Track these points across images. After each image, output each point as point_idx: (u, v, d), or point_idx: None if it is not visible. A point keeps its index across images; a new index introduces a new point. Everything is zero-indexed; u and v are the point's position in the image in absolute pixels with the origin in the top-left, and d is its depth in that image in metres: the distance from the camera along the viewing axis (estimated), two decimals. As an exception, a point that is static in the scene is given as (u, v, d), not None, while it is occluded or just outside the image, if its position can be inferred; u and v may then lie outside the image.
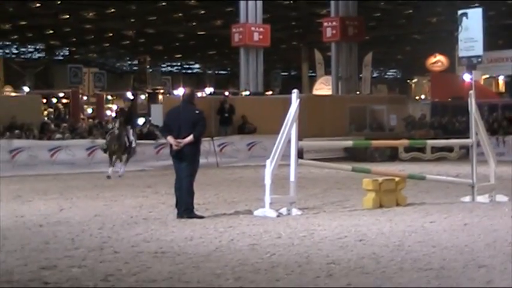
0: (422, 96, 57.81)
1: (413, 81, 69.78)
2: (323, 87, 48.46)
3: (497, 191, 17.28)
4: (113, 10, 52.11)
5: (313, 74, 58.15)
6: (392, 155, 31.33)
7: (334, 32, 40.98)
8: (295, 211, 14.87)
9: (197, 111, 14.68)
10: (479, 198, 16.90)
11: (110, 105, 54.50)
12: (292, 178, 15.17)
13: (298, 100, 15.37)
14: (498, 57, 44.52)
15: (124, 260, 10.26)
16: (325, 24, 41.98)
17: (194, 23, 58.73)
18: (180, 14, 54.22)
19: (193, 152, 14.42)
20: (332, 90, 43.10)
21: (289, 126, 15.20)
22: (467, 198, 17.02)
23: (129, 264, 10.03)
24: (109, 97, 56.40)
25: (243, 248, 11.20)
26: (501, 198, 17.07)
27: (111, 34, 62.00)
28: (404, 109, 37.59)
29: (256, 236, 12.23)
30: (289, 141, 15.24)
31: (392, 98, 42.94)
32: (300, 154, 19.95)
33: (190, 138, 14.27)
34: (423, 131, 33.77)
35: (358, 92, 43.42)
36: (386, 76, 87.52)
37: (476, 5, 42.17)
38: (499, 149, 28.95)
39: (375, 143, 22.35)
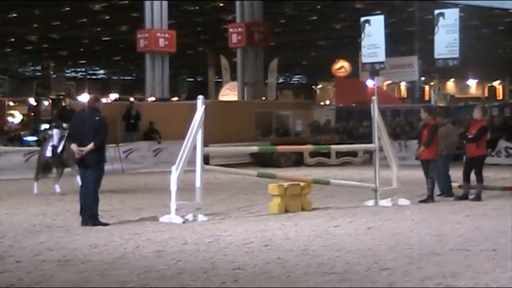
0: (327, 102, 58.51)
1: (319, 86, 70.59)
2: (229, 93, 48.56)
3: (399, 194, 17.64)
4: (15, 14, 51.16)
5: (220, 80, 58.23)
6: (297, 160, 31.59)
7: (239, 37, 41.10)
8: (201, 217, 14.87)
9: (98, 118, 14.52)
10: (382, 202, 17.21)
11: (12, 112, 53.49)
12: (198, 184, 15.18)
13: (204, 106, 15.39)
14: (400, 63, 45.24)
15: (26, 270, 10.09)
16: (231, 30, 42.07)
17: (99, 29, 58.14)
18: (85, 19, 53.57)
19: (97, 159, 14.29)
20: (238, 95, 43.23)
21: (195, 132, 15.20)
22: (370, 202, 17.31)
23: (32, 273, 9.87)
24: (11, 103, 55.35)
25: (148, 254, 11.15)
26: (403, 201, 17.43)
27: (13, 39, 60.87)
28: (310, 114, 37.95)
29: (162, 242, 12.18)
30: (194, 147, 15.24)
31: (298, 104, 43.31)
32: (206, 160, 20.00)
33: (91, 146, 14.14)
34: (328, 136, 34.16)
35: (264, 98, 43.66)
36: (292, 82, 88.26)
37: (379, 12, 42.90)
38: (401, 153, 29.48)
39: (281, 148, 22.54)
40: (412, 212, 15.97)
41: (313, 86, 74.45)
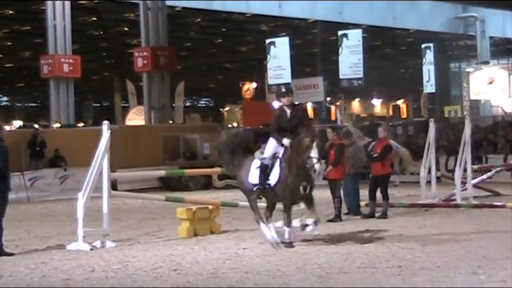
0: (235, 124, 58.70)
1: (226, 109, 70.78)
2: (136, 118, 48.32)
3: (307, 215, 17.70)
4: None
5: (126, 105, 57.91)
6: (206, 183, 31.61)
7: (145, 62, 40.95)
8: (109, 243, 14.71)
9: None
10: (292, 222, 17.25)
11: None
12: (105, 210, 15.02)
13: (110, 131, 15.26)
14: (306, 84, 45.79)
15: None
16: (136, 54, 41.90)
17: (1, 55, 57.23)
18: (-13, 46, 52.75)
19: (-1, 188, 14.00)
20: (145, 120, 43.03)
21: (101, 157, 15.05)
22: (279, 223, 17.34)
23: None
24: None
25: (55, 284, 10.97)
26: (311, 221, 17.51)
27: None
28: (217, 137, 37.88)
29: (69, 270, 12.00)
30: (101, 173, 15.08)
31: (205, 127, 43.31)
32: (114, 185, 19.81)
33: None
34: (236, 158, 34.18)
35: (171, 122, 43.57)
36: (199, 105, 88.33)
37: (283, 34, 43.35)
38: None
39: (188, 171, 22.49)
40: (320, 231, 16.08)
41: (221, 109, 74.63)
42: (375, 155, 18.80)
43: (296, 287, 10.08)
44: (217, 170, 25.50)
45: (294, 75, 41.59)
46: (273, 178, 13.84)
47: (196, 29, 51.62)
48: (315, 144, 13.37)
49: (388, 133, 20.22)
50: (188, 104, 74.38)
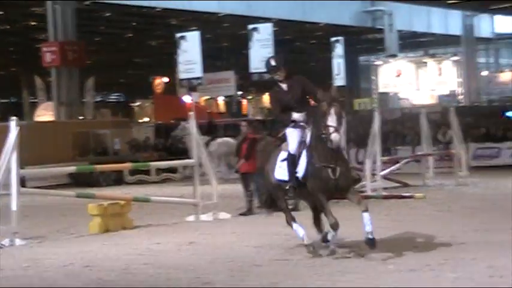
0: (146, 119, 58.37)
1: (137, 104, 70.32)
2: (45, 113, 47.54)
3: (219, 208, 17.79)
4: None
5: (35, 100, 56.98)
6: (117, 179, 31.35)
7: (53, 57, 40.28)
8: (18, 241, 14.47)
9: None
10: (203, 217, 17.32)
11: None
12: (13, 207, 14.76)
13: (18, 128, 15.01)
14: (217, 78, 45.87)
15: None
16: (44, 49, 41.19)
17: None
18: None
19: None
20: (54, 116, 42.39)
21: (9, 154, 14.79)
22: (191, 218, 17.38)
23: None
24: None
25: (-37, 283, 10.74)
26: (223, 215, 17.61)
27: None
28: (128, 132, 37.73)
29: (-23, 270, 11.77)
30: (9, 170, 14.82)
31: (116, 122, 42.95)
32: (23, 182, 19.46)
33: None
34: (147, 153, 34.08)
35: (81, 117, 43.04)
36: (109, 100, 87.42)
37: (194, 28, 43.25)
38: (221, 167, 29.76)
39: (99, 167, 22.28)
40: (233, 225, 16.16)
41: (131, 104, 74.11)
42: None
43: (208, 281, 10.09)
44: (128, 165, 25.48)
45: (205, 69, 41.52)
46: (301, 169, 11.56)
47: (106, 24, 51.08)
48: (333, 110, 11.11)
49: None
50: (98, 99, 73.45)
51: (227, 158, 29.06)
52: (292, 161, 11.63)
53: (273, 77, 12.12)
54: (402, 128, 33.85)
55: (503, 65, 56.92)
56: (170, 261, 11.80)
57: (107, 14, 48.20)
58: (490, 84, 52.33)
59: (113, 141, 34.86)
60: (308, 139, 11.52)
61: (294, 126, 11.79)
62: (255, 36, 40.03)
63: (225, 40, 49.55)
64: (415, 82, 48.86)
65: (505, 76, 51.64)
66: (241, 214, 18.05)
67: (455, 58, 49.96)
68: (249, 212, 18.20)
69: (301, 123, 11.69)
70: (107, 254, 12.75)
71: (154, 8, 44.23)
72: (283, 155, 11.88)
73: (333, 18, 48.27)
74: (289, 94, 11.80)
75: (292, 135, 11.79)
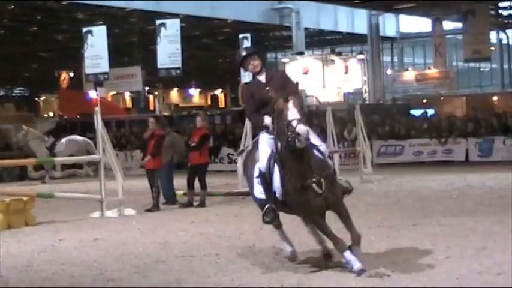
0: (51, 114, 57.50)
1: (42, 98, 69.19)
2: None
3: (125, 205, 17.69)
4: None
5: None
6: (21, 174, 30.82)
7: (-46, 49, 39.42)
8: None
9: None
10: (109, 213, 17.18)
11: None
12: None
13: None
14: (124, 73, 45.41)
15: None
16: None
17: None
18: None
19: None
20: (-45, 110, 41.48)
21: None
22: (96, 214, 17.22)
23: None
24: None
25: None
26: (129, 211, 17.52)
27: None
28: (33, 127, 37.10)
29: None
30: None
31: (20, 117, 42.25)
32: None
33: None
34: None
35: (-17, 111, 42.21)
36: (13, 94, 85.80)
37: (100, 23, 42.77)
38: (127, 163, 29.59)
39: (1, 162, 21.86)
40: (138, 221, 16.08)
41: (36, 98, 72.86)
42: (193, 144, 18.92)
43: (113, 277, 10.01)
44: (32, 160, 25.07)
45: (112, 64, 41.08)
46: (277, 189, 9.52)
47: (9, 17, 50.08)
48: (291, 104, 9.20)
49: (206, 122, 20.40)
50: (2, 93, 72.14)
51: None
52: (264, 179, 9.60)
53: (246, 70, 10.19)
54: (309, 125, 34.12)
55: (407, 64, 57.90)
56: (74, 257, 11.66)
57: (11, 7, 47.29)
58: (394, 83, 53.16)
59: (17, 136, 34.25)
60: (276, 149, 9.52)
61: (268, 132, 9.77)
62: (163, 31, 39.75)
63: (133, 35, 49.09)
64: (321, 80, 49.36)
65: (408, 75, 52.51)
66: (147, 210, 17.98)
67: (361, 56, 50.64)
68: (155, 208, 18.14)
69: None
70: (9, 251, 12.52)
71: (59, 1, 43.61)
72: (257, 169, 9.73)
73: (241, 15, 48.34)
74: (266, 88, 9.67)
75: (263, 146, 9.73)
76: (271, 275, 9.69)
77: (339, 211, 9.45)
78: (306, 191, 9.21)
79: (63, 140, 29.97)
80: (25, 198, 16.35)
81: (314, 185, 9.15)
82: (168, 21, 40.04)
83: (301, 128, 9.02)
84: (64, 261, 11.32)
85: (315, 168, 9.25)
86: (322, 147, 9.71)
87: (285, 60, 51.42)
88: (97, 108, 17.94)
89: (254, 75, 10.02)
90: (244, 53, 10.08)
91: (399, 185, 22.73)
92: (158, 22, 40.20)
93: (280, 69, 9.41)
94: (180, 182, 19.73)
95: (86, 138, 30.02)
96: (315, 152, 9.44)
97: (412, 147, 31.93)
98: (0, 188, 18.40)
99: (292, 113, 9.14)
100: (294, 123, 9.05)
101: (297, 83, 9.64)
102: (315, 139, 9.61)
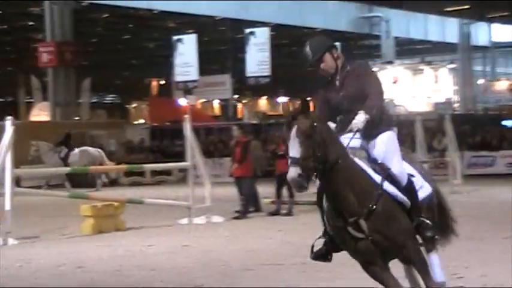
0: (142, 121, 58.31)
1: (132, 106, 70.21)
2: (41, 113, 47.47)
3: (213, 212, 17.79)
4: None
5: (31, 100, 56.90)
6: (112, 180, 31.32)
7: (50, 57, 40.28)
8: (11, 241, 14.46)
9: None
10: (196, 220, 17.32)
11: None
12: (7, 207, 14.75)
13: (13, 127, 15.01)
14: (213, 81, 45.80)
15: None
16: (41, 49, 41.19)
17: None
18: None
19: None
20: (50, 116, 42.36)
21: (4, 153, 14.79)
22: (184, 220, 17.39)
23: None
24: None
25: (-46, 282, 10.73)
26: (217, 218, 17.61)
27: None
28: (124, 134, 37.74)
29: (-30, 269, 11.76)
30: (4, 169, 14.82)
31: (112, 123, 42.96)
32: (18, 182, 19.45)
33: None
34: (142, 155, 34.08)
35: (77, 118, 43.02)
36: (105, 101, 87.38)
37: (191, 31, 43.25)
38: (215, 171, 29.76)
39: (93, 168, 22.28)
40: (226, 228, 16.18)
41: (127, 106, 74.01)
42: (280, 152, 18.94)
43: (201, 284, 10.09)
44: (123, 166, 25.46)
45: (202, 72, 41.51)
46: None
47: (103, 25, 51.06)
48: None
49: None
50: (94, 100, 73.43)
51: None
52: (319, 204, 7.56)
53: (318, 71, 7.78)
54: (398, 135, 33.81)
55: (499, 74, 56.98)
56: (163, 263, 11.79)
57: (105, 16, 48.20)
58: (486, 93, 52.36)
59: (108, 142, 34.85)
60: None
61: None
62: (252, 40, 40.01)
63: (222, 43, 49.51)
64: (411, 89, 48.88)
65: (501, 85, 51.67)
66: (234, 218, 18.06)
67: (452, 66, 50.01)
68: (243, 215, 18.20)
69: None
70: (100, 255, 12.74)
71: (151, 10, 44.25)
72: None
73: (330, 23, 48.29)
74: (340, 92, 7.54)
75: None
76: (360, 285, 9.62)
77: (402, 258, 7.25)
78: (342, 231, 7.11)
79: (77, 150, 30.19)
80: (116, 204, 16.62)
81: (350, 228, 6.95)
82: (257, 30, 40.26)
83: (360, 117, 7.03)
84: (153, 267, 11.46)
85: (352, 202, 6.85)
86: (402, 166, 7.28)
87: (374, 69, 51.03)
88: (186, 116, 18.13)
89: (327, 76, 7.66)
90: (311, 57, 7.66)
91: (490, 196, 22.35)
92: (247, 30, 40.45)
93: (361, 62, 6.92)
94: (267, 190, 19.77)
95: (98, 149, 30.34)
96: (367, 173, 6.98)
97: (504, 159, 31.36)
98: (92, 193, 18.72)
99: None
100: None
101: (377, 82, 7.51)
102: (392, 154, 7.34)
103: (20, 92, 63.71)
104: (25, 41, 52.31)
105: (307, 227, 15.98)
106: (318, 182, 7.11)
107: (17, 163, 15.50)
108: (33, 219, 18.65)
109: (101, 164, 26.58)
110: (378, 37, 51.67)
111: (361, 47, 58.33)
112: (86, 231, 15.77)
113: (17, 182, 18.41)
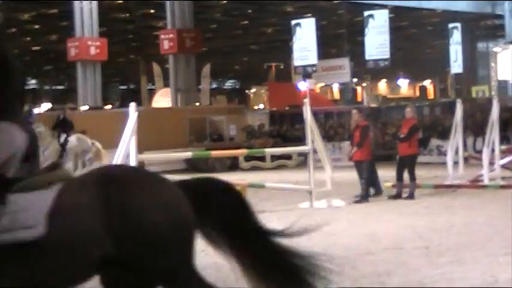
0: (261, 106, 58.70)
1: (252, 91, 70.76)
2: (162, 100, 48.45)
3: (334, 196, 17.76)
4: None
5: (153, 87, 58.07)
6: (232, 165, 31.65)
7: (171, 44, 41.02)
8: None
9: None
10: (317, 204, 17.31)
11: None
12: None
13: (137, 113, 15.32)
14: (332, 65, 45.69)
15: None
16: (162, 36, 41.98)
17: (28, 38, 57.52)
18: (14, 29, 53.00)
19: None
20: (171, 102, 43.15)
21: (128, 139, 15.12)
22: (305, 204, 17.41)
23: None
24: None
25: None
26: (337, 202, 17.56)
27: None
28: (244, 119, 38.06)
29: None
30: (128, 155, 15.15)
31: (231, 109, 43.38)
32: (142, 167, 19.87)
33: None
34: (262, 139, 34.30)
35: (197, 104, 43.65)
36: (225, 87, 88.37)
37: (309, 15, 43.22)
38: (335, 155, 29.73)
39: (215, 153, 22.55)
40: (347, 212, 16.13)
41: (247, 91, 74.63)
42: (402, 136, 18.78)
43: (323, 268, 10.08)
44: (244, 151, 25.70)
45: (320, 56, 41.46)
46: None
47: (221, 11, 51.58)
48: None
49: (415, 114, 20.20)
50: (214, 86, 74.40)
51: (83, 156, 27.26)
52: None
53: None
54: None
55: None
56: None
57: (223, 2, 48.68)
58: None
59: (228, 128, 35.22)
60: None
61: None
62: (371, 23, 39.72)
63: (340, 27, 49.30)
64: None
65: None
66: (355, 202, 17.99)
67: None
68: (363, 199, 18.12)
69: None
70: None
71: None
72: None
73: (450, 4, 47.42)
74: None
75: None
76: (484, 270, 9.47)
77: None
78: None
79: (73, 136, 29.62)
80: (237, 188, 16.76)
81: None
82: (376, 12, 39.94)
83: None
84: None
85: None
86: None
87: (496, 49, 49.93)
88: (306, 100, 18.13)
89: None
90: None
91: None
92: (366, 13, 40.17)
93: None
94: (388, 174, 19.62)
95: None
96: None
97: None
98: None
99: None
100: None
101: None
102: None
103: (142, 79, 65.13)
104: (146, 29, 53.40)
105: (429, 211, 15.83)
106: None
107: (139, 149, 15.78)
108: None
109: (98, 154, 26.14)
110: (500, 17, 50.45)
111: (482, 28, 57.10)
112: (208, 215, 15.96)
113: (141, 167, 18.82)
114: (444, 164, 22.03)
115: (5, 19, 48.71)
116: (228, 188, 5.46)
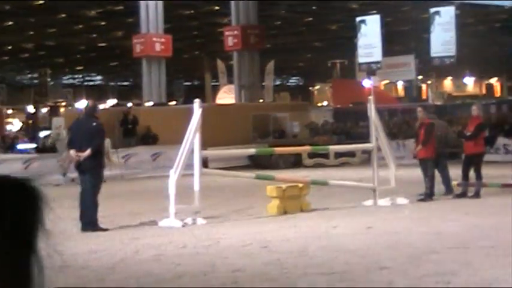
0: (325, 103, 58.51)
1: (316, 88, 70.60)
2: (226, 96, 48.55)
3: (397, 193, 17.64)
4: (11, 23, 51.24)
5: (217, 83, 58.27)
6: (296, 162, 31.58)
7: (235, 40, 41.15)
8: (200, 220, 14.88)
9: (94, 124, 14.61)
10: (381, 202, 17.22)
11: (10, 120, 53.59)
12: (196, 187, 15.19)
13: (201, 109, 15.41)
14: (397, 62, 45.36)
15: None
16: (227, 33, 42.14)
17: (94, 35, 58.20)
18: (80, 26, 53.68)
19: (94, 165, 14.32)
20: (235, 98, 43.27)
21: (192, 135, 15.22)
22: (369, 202, 17.32)
23: (32, 280, 9.87)
24: (9, 111, 55.45)
25: (148, 259, 11.16)
26: (401, 200, 17.44)
27: (10, 47, 60.93)
28: (307, 116, 37.99)
29: (162, 246, 12.20)
30: (192, 151, 15.26)
31: (295, 105, 43.38)
32: (205, 163, 20.00)
33: (88, 151, 14.19)
34: (326, 137, 34.18)
35: (261, 100, 43.68)
36: (288, 83, 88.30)
37: (374, 12, 42.96)
38: (399, 152, 29.47)
39: (278, 150, 22.55)
40: (411, 210, 16.00)
41: (310, 88, 74.48)
42: (468, 134, 18.55)
43: (386, 266, 10.04)
44: (307, 148, 25.63)
45: (385, 53, 41.18)
46: None
47: (285, 8, 51.52)
48: None
49: (481, 112, 19.93)
50: (278, 82, 74.39)
51: None
52: None
53: None
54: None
55: None
56: (347, 245, 11.81)
57: (288, -1, 48.64)
58: None
59: (291, 125, 35.19)
60: None
61: None
62: (437, 19, 39.29)
63: (406, 24, 48.89)
64: None
65: None
66: (420, 200, 17.83)
67: None
68: (428, 197, 17.95)
69: None
70: (285, 236, 12.90)
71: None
72: None
73: (518, 0, 46.70)
74: None
75: None
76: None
77: None
78: None
79: None
80: (300, 185, 16.78)
81: None
82: (442, 9, 39.51)
83: None
84: (338, 248, 11.49)
85: None
86: None
87: None
88: (370, 97, 18.04)
89: None
90: None
91: None
92: (432, 10, 39.77)
93: None
94: (454, 172, 19.39)
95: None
96: None
97: None
98: (277, 175, 18.97)
99: None
100: None
101: None
102: None
103: (206, 76, 65.42)
104: (211, 26, 53.59)
105: (495, 210, 15.60)
106: None
107: (203, 145, 15.89)
108: (220, 200, 19.10)
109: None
110: None
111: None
112: (271, 212, 16.02)
113: (205, 163, 18.92)
114: (511, 162, 21.71)
115: (72, 16, 49.40)
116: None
